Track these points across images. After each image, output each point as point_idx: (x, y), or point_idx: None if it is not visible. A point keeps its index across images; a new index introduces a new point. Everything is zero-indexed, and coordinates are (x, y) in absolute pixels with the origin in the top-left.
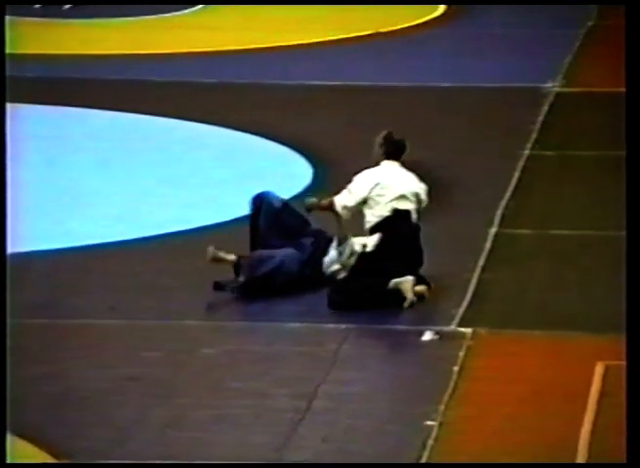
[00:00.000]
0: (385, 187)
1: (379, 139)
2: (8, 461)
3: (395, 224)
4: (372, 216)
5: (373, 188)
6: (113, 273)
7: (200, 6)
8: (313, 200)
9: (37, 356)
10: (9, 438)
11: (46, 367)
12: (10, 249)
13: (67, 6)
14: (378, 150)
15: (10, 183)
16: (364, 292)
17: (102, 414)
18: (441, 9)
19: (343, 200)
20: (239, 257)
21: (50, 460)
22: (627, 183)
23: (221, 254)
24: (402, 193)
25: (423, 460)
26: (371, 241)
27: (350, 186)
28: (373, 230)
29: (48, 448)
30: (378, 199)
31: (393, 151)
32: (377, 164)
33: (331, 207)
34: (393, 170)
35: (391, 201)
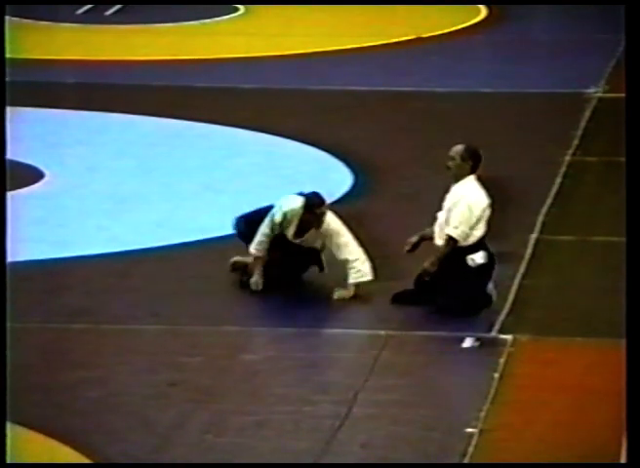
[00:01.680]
0: (488, 208)
1: (461, 153)
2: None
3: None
4: (472, 236)
5: (485, 209)
6: (155, 278)
7: (240, 12)
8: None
9: (78, 361)
10: (51, 443)
11: (87, 371)
12: (53, 254)
13: (112, 10)
14: (462, 164)
15: (54, 189)
16: (477, 298)
17: (143, 420)
18: (483, 13)
19: (465, 229)
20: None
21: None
22: (627, 189)
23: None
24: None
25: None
26: (478, 257)
27: (467, 214)
28: (472, 248)
29: (89, 454)
30: (483, 220)
31: (478, 165)
32: (457, 178)
33: (455, 244)
34: (480, 186)
35: (487, 220)
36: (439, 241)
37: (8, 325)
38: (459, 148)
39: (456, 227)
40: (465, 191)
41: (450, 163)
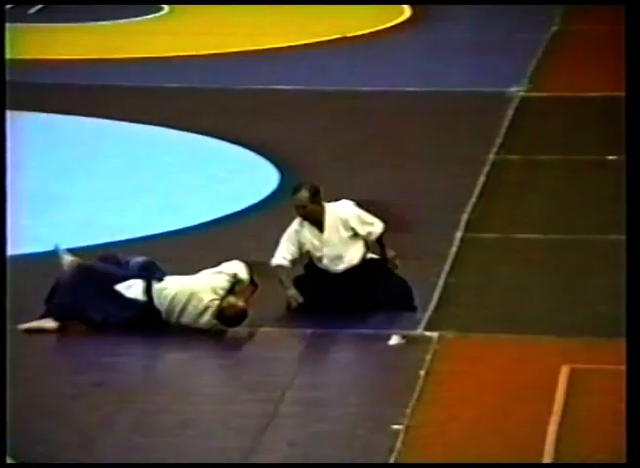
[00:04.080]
0: None
1: (308, 199)
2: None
3: None
4: (362, 249)
5: None
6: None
7: (164, 11)
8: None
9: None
10: None
11: (10, 373)
12: None
13: (34, 9)
14: (314, 207)
15: None
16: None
17: (68, 420)
18: (407, 13)
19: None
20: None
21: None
22: (627, 186)
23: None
24: None
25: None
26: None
27: (364, 213)
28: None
29: (13, 455)
30: None
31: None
32: (318, 217)
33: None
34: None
35: None
36: (340, 267)
37: None
38: (303, 195)
39: (372, 223)
40: (337, 209)
41: (303, 211)
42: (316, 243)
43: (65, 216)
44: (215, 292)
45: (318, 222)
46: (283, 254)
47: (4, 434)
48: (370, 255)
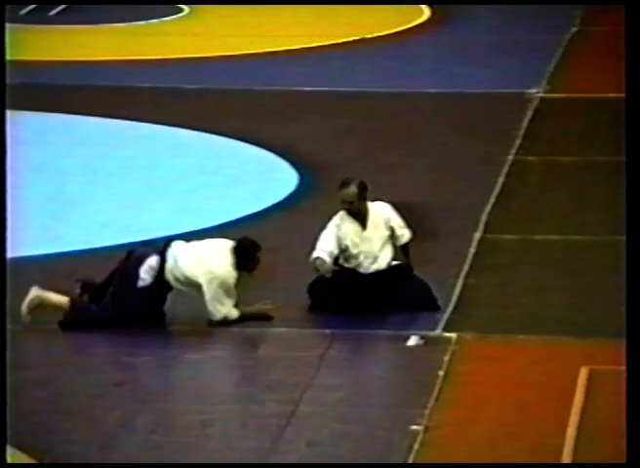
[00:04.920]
0: None
1: (357, 194)
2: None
3: None
4: (392, 250)
5: None
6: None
7: (185, 12)
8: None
9: (24, 362)
10: None
11: (33, 372)
12: None
13: (56, 10)
14: (360, 203)
15: None
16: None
17: (89, 420)
18: (426, 14)
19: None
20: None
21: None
22: (627, 189)
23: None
24: None
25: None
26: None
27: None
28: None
29: (35, 455)
30: None
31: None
32: (359, 211)
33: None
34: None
35: None
36: (374, 267)
37: None
38: (352, 191)
39: (405, 228)
40: (380, 208)
41: (348, 207)
42: (356, 239)
43: (85, 217)
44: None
45: (361, 219)
46: (322, 247)
47: (4, 433)
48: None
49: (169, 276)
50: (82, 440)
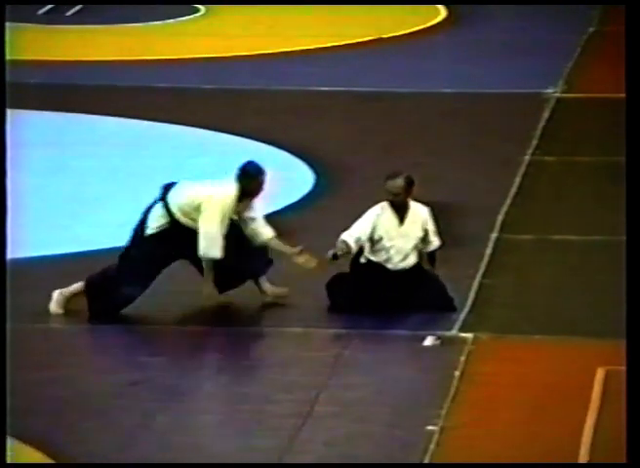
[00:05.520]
0: None
1: (404, 187)
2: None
3: None
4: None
5: None
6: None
7: (201, 12)
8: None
9: (42, 361)
10: (14, 443)
11: (51, 371)
12: (12, 254)
13: (72, 11)
14: (405, 195)
15: (16, 190)
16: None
17: (107, 419)
18: (443, 14)
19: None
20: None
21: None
22: (627, 188)
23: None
24: None
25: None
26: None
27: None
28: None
29: (53, 454)
30: None
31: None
32: (402, 205)
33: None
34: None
35: None
36: (402, 265)
37: None
38: (400, 183)
39: (434, 233)
40: (420, 209)
41: (394, 198)
42: (392, 232)
43: (104, 217)
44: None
45: (401, 214)
46: (352, 232)
47: (4, 433)
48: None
49: (178, 214)
50: (99, 439)
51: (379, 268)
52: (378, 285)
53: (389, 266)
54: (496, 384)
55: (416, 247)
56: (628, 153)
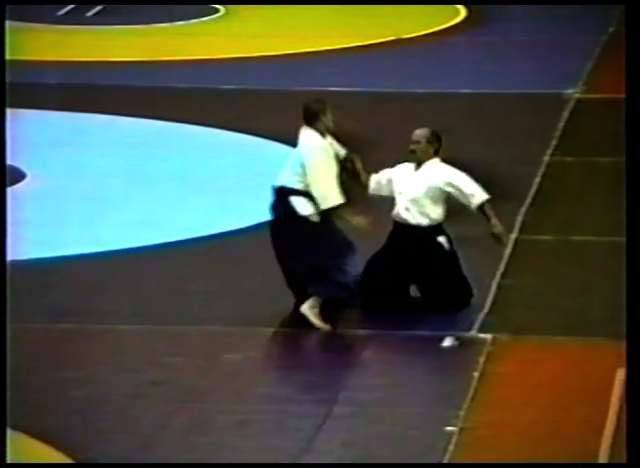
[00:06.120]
0: None
1: (427, 136)
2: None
3: None
4: (437, 214)
5: None
6: (138, 278)
7: (221, 13)
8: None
9: (61, 361)
10: (34, 443)
11: (71, 371)
12: (33, 255)
13: (92, 11)
14: (427, 147)
15: (36, 191)
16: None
17: (127, 419)
18: (462, 14)
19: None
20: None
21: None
22: (627, 189)
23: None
24: None
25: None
26: (444, 240)
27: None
28: (438, 229)
29: (72, 454)
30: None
31: (440, 148)
32: (422, 161)
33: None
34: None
35: None
36: (406, 215)
37: None
38: (423, 132)
39: (473, 187)
40: (444, 170)
41: (414, 146)
42: (404, 176)
43: (123, 217)
44: None
45: (420, 164)
46: (374, 177)
47: (4, 433)
48: (440, 239)
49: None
50: (119, 439)
51: (395, 226)
52: (391, 243)
53: (394, 214)
54: (515, 385)
55: (430, 200)
56: (628, 153)
